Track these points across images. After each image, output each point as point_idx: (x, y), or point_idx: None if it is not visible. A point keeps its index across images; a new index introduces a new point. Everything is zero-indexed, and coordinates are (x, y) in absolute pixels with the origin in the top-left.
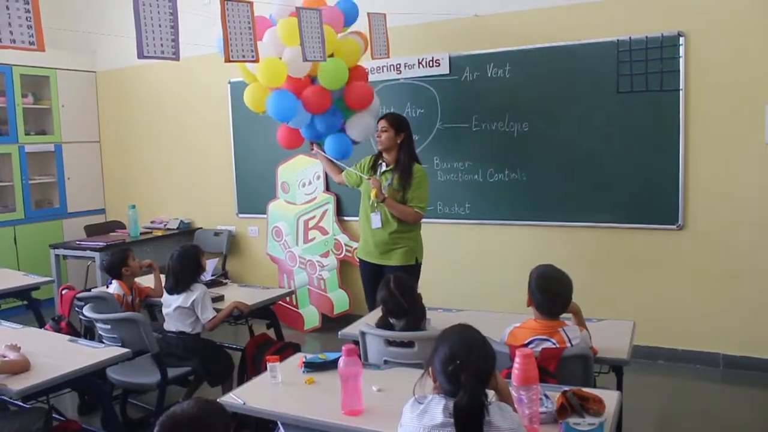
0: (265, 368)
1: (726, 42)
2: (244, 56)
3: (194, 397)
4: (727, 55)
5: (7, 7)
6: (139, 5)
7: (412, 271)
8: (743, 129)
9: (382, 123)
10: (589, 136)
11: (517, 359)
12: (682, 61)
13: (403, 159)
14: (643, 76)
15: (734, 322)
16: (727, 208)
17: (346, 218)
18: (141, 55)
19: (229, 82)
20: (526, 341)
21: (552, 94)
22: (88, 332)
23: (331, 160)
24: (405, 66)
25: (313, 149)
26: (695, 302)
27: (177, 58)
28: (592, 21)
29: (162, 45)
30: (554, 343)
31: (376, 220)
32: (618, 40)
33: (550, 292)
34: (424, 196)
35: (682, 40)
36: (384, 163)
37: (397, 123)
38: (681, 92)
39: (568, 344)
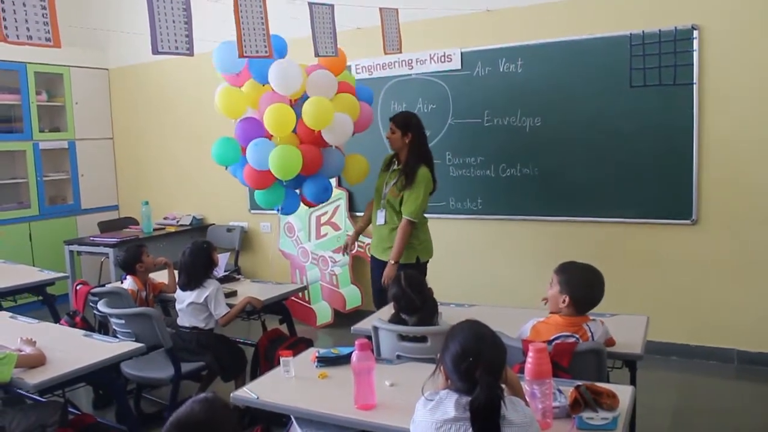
0: (278, 363)
1: (740, 35)
2: (257, 51)
3: (201, 399)
4: (742, 49)
5: (24, 4)
6: (153, 0)
7: (415, 269)
8: (758, 123)
9: (390, 125)
10: (602, 130)
11: (530, 354)
12: (696, 54)
13: (409, 160)
14: (657, 70)
15: (749, 318)
16: (742, 203)
17: (358, 214)
18: (155, 51)
19: None
20: (552, 338)
21: (564, 89)
22: (103, 327)
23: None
24: (417, 61)
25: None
26: (709, 298)
27: (191, 54)
28: (605, 15)
29: (176, 40)
30: (578, 339)
31: (380, 217)
32: (631, 33)
33: (594, 289)
34: (417, 202)
35: (696, 33)
36: (396, 161)
37: (403, 124)
38: (695, 86)
39: (591, 339)
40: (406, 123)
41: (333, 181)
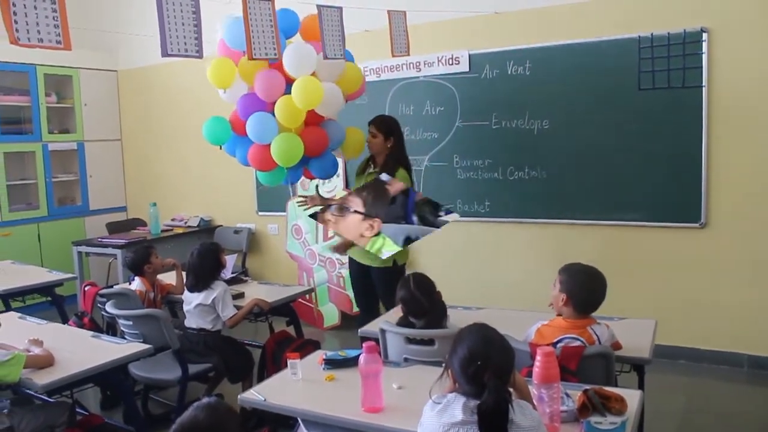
0: (285, 365)
1: (750, 38)
2: (266, 54)
3: (205, 404)
4: (751, 51)
5: (35, 7)
6: (163, 3)
7: (395, 273)
8: (767, 126)
9: (371, 129)
10: (610, 133)
11: (538, 357)
12: (705, 57)
13: (389, 163)
14: (665, 73)
15: (759, 322)
16: (751, 206)
17: None
18: (165, 53)
19: None
20: (555, 340)
21: (572, 92)
22: (111, 328)
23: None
24: (425, 64)
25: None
26: (718, 301)
27: (200, 56)
28: (614, 17)
29: (185, 43)
30: (583, 342)
31: None
32: (639, 36)
33: (594, 289)
34: None
35: (705, 36)
36: (372, 165)
37: (386, 129)
38: (704, 89)
39: (597, 343)
40: (389, 128)
41: (341, 183)
